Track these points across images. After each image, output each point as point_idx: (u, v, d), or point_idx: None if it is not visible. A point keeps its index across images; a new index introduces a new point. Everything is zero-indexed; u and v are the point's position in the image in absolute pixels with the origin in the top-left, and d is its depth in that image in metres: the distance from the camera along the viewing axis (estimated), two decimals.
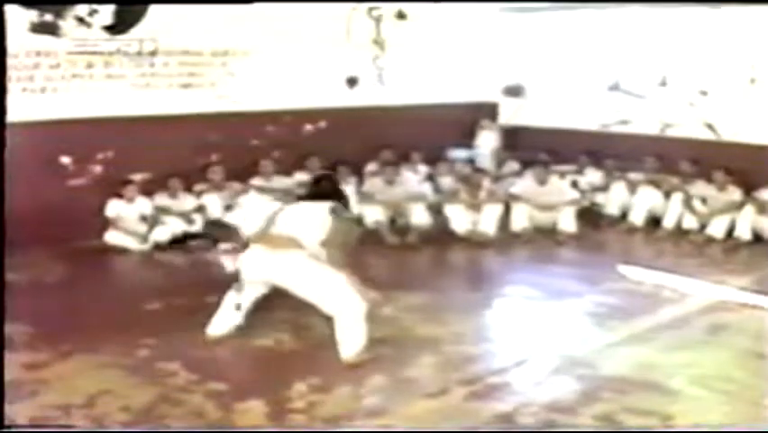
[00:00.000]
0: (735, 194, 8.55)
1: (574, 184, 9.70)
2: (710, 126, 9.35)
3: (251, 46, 9.44)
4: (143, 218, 8.47)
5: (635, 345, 5.44)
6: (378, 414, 4.41)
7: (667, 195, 9.03)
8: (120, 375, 4.96)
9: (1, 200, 3.34)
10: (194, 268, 8.04)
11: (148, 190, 8.65)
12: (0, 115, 3.34)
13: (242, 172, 9.15)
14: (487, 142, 11.23)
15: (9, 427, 3.82)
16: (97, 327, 5.79)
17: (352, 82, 10.51)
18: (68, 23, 8.25)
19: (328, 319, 5.94)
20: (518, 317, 6.21)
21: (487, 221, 8.65)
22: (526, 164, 9.89)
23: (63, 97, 8.30)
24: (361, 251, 8.77)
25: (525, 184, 9.23)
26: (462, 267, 8.27)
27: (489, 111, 11.53)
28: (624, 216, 9.38)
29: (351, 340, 5.11)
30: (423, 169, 10.35)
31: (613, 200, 9.51)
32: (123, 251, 8.25)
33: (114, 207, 8.37)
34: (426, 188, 9.73)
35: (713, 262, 7.73)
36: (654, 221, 9.09)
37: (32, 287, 6.97)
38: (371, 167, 10.06)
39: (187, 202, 8.75)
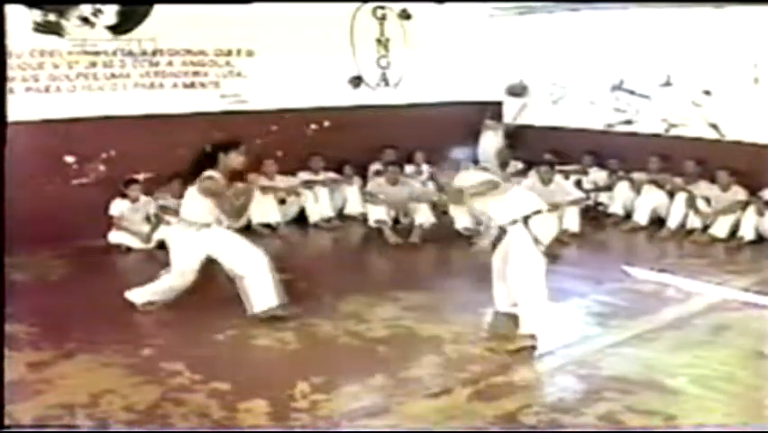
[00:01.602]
0: (738, 194, 8.52)
1: (578, 184, 9.71)
2: (714, 126, 9.33)
3: (255, 46, 9.45)
4: (147, 218, 8.49)
5: (639, 345, 5.43)
6: (380, 414, 4.41)
7: (671, 195, 9.03)
8: (123, 375, 4.96)
9: (1, 199, 3.33)
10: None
11: (152, 190, 8.66)
12: (0, 115, 3.34)
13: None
14: (491, 141, 11.23)
15: (10, 426, 3.83)
16: (101, 326, 5.79)
17: (356, 82, 10.52)
18: (71, 23, 8.27)
19: (331, 318, 5.99)
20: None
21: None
22: (531, 164, 9.88)
23: (67, 97, 8.32)
24: (364, 250, 8.88)
25: (529, 184, 9.21)
26: (466, 266, 8.26)
27: (493, 111, 11.52)
28: (628, 215, 9.37)
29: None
30: (427, 168, 10.35)
31: (617, 200, 9.51)
32: (126, 250, 8.27)
33: (117, 207, 8.39)
34: (430, 188, 9.74)
35: (716, 262, 7.71)
36: (658, 221, 9.08)
37: (36, 286, 7.00)
38: (375, 166, 10.07)
39: None
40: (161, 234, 8.37)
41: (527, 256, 5.29)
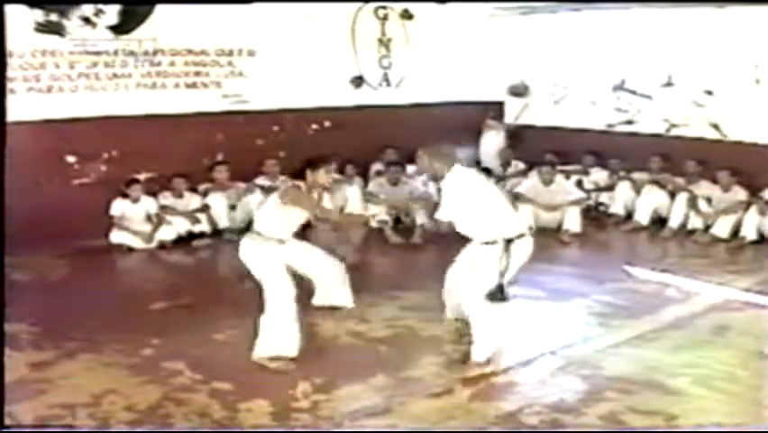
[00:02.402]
0: (740, 194, 8.52)
1: (579, 184, 9.70)
2: (715, 126, 9.32)
3: (257, 46, 9.45)
4: (148, 218, 8.48)
5: (640, 345, 5.43)
6: (382, 414, 4.42)
7: (672, 195, 9.02)
8: (125, 375, 4.97)
9: (1, 199, 3.34)
10: (198, 267, 8.07)
11: (153, 190, 8.66)
12: (0, 115, 3.35)
13: (247, 172, 9.16)
14: (492, 141, 11.23)
15: (10, 426, 3.83)
16: (102, 326, 5.80)
17: (357, 82, 10.52)
18: (73, 23, 8.27)
19: (332, 318, 5.98)
20: (523, 317, 6.19)
21: None
22: (532, 164, 9.88)
23: (69, 97, 8.32)
24: (366, 250, 8.87)
25: (530, 184, 9.22)
26: None
27: (495, 111, 11.51)
28: (629, 215, 9.36)
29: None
30: None
31: (618, 200, 9.49)
32: (127, 250, 8.27)
33: (119, 207, 8.38)
34: (431, 188, 9.72)
35: (718, 263, 7.70)
36: (659, 221, 9.07)
37: (38, 286, 7.00)
38: (377, 166, 10.07)
39: (192, 202, 8.76)
40: (164, 234, 8.43)
41: (486, 278, 5.12)
